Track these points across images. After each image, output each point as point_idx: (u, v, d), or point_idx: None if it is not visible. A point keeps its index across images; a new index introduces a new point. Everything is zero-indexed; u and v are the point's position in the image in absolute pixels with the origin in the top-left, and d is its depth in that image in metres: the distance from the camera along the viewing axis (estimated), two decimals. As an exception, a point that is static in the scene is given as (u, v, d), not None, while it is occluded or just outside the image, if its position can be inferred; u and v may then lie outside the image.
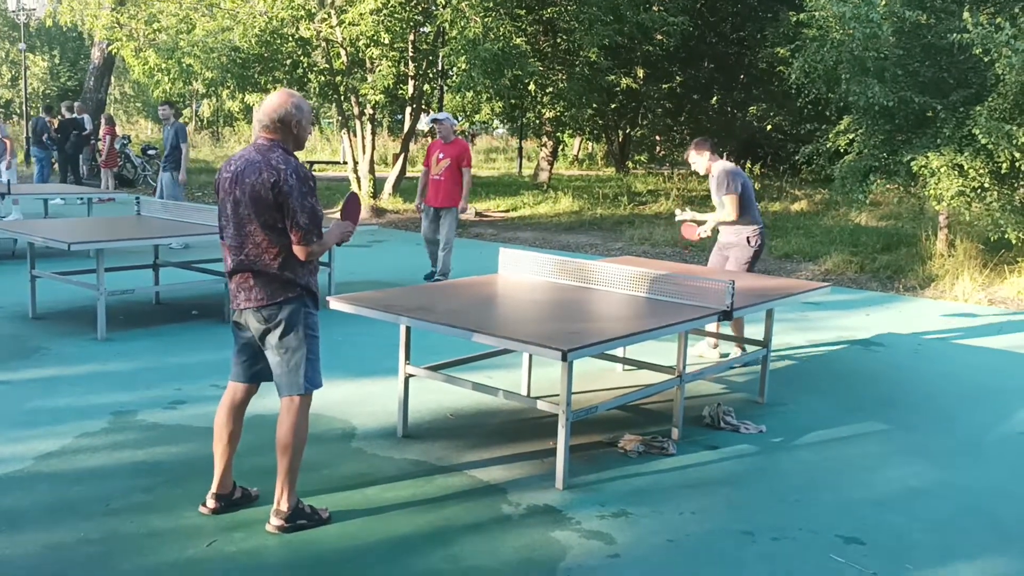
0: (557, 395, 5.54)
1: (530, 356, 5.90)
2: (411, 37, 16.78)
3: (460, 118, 23.73)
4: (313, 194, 3.73)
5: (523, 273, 6.04)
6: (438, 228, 9.94)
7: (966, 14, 9.74)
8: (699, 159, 6.97)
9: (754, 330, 7.42)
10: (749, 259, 6.96)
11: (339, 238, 4.03)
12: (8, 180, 13.05)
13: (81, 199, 14.20)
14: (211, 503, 4.01)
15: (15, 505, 4.06)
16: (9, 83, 41.16)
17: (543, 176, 22.71)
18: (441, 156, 9.74)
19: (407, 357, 5.08)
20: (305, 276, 3.80)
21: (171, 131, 11.96)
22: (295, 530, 3.86)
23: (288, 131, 3.77)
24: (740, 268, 6.95)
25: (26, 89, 29.67)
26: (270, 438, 4.87)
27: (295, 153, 3.82)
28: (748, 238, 6.93)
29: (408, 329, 5.00)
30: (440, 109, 18.69)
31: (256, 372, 3.96)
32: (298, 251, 3.72)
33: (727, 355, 7.11)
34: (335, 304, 4.91)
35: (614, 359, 6.27)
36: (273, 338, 3.78)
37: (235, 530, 3.88)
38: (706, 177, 7.17)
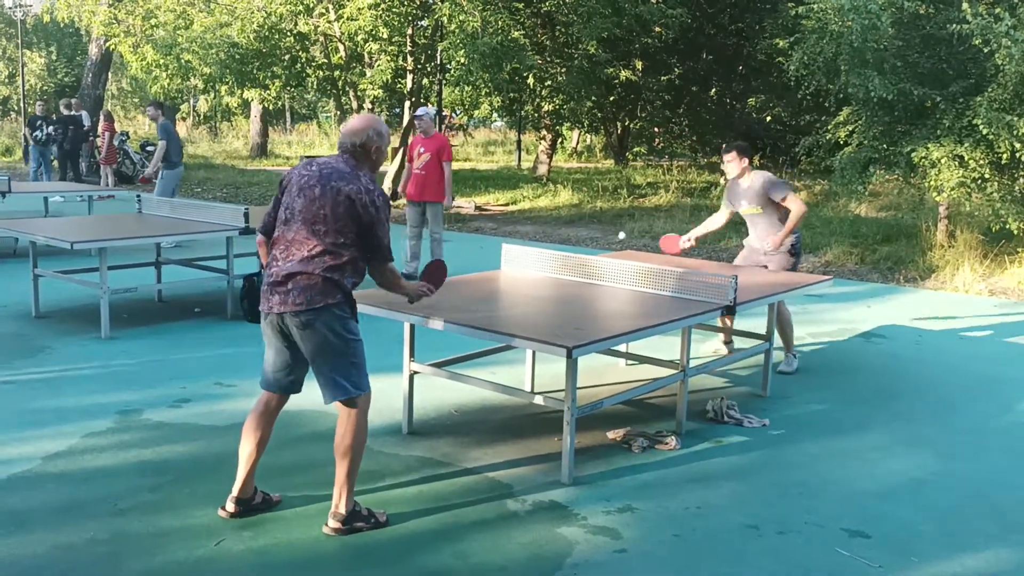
0: (561, 390, 5.57)
1: (534, 352, 5.92)
2: (409, 31, 16.76)
3: (459, 112, 23.73)
4: (390, 220, 3.88)
5: (526, 269, 6.05)
6: (422, 222, 10.02)
7: (965, 4, 9.73)
8: (740, 162, 6.65)
9: (757, 324, 7.44)
10: (790, 266, 6.73)
11: (414, 294, 4.21)
12: (8, 178, 13.02)
13: (81, 197, 14.20)
14: (231, 507, 4.00)
15: (23, 505, 4.07)
16: (7, 80, 41.09)
17: (542, 169, 22.69)
18: (422, 151, 9.82)
19: (411, 354, 5.09)
20: (349, 282, 3.78)
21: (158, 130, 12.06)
22: (352, 532, 3.88)
23: (367, 156, 3.86)
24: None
25: (23, 86, 29.63)
26: (274, 436, 4.89)
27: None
28: (792, 244, 6.70)
29: (412, 327, 5.01)
30: (439, 103, 18.68)
31: (291, 383, 3.94)
32: (380, 267, 3.89)
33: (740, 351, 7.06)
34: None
35: (617, 354, 6.29)
36: (311, 345, 3.75)
37: (243, 529, 3.90)
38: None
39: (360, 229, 3.74)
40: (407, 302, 4.34)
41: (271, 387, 3.96)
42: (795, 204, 6.57)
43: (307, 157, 21.79)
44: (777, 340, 6.43)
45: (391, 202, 3.37)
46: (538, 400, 4.81)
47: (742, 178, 6.72)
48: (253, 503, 4.06)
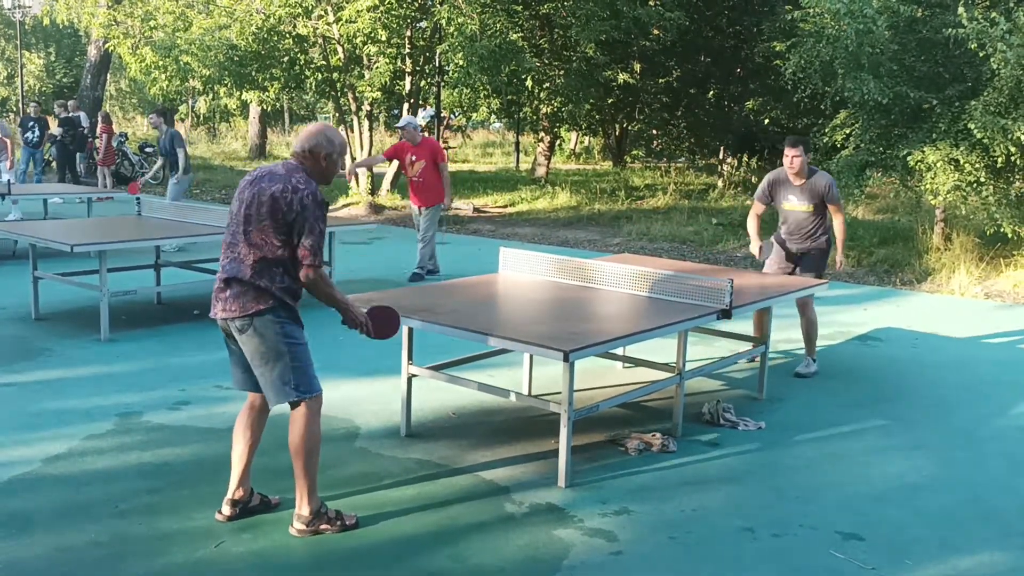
0: (558, 393, 5.60)
1: (531, 355, 5.95)
2: (408, 33, 16.80)
3: (457, 114, 23.75)
4: (324, 221, 3.76)
5: (524, 272, 6.09)
6: None
7: (961, 9, 9.78)
8: (806, 157, 6.58)
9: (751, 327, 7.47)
10: (823, 267, 6.79)
11: (351, 317, 3.97)
12: (8, 180, 13.05)
13: (80, 198, 14.22)
14: (227, 510, 4.04)
15: (24, 507, 4.10)
16: (5, 81, 41.09)
17: (540, 171, 22.71)
18: (414, 159, 9.94)
19: (410, 357, 5.12)
20: (281, 287, 3.77)
21: (165, 140, 11.75)
22: (316, 534, 3.91)
23: (316, 162, 3.82)
24: (815, 275, 6.72)
25: (22, 87, 29.64)
26: (272, 438, 4.93)
27: (320, 187, 3.87)
28: (827, 240, 6.76)
29: (411, 330, 5.04)
30: (437, 105, 18.70)
31: (256, 381, 3.96)
32: (303, 273, 3.74)
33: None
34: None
35: (614, 357, 6.33)
36: (249, 350, 3.81)
37: (243, 531, 3.93)
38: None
39: (286, 227, 3.70)
40: (340, 321, 4.03)
41: (243, 386, 4.01)
42: (841, 215, 6.71)
43: None
44: (773, 344, 6.47)
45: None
46: (535, 403, 4.84)
47: (799, 174, 6.61)
48: (250, 505, 4.09)
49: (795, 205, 6.67)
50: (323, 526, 3.93)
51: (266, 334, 3.76)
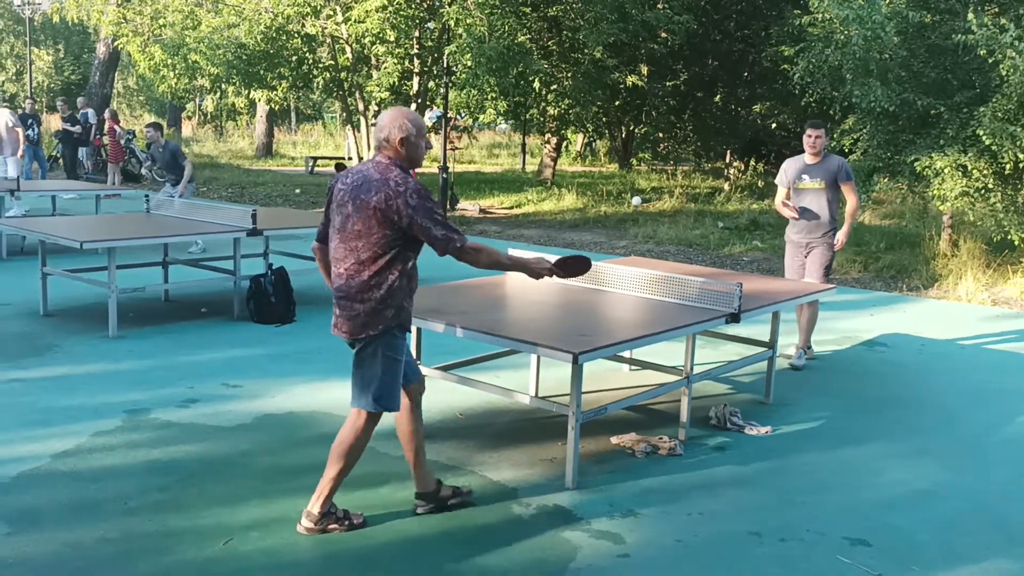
0: (566, 395, 5.60)
1: (538, 357, 5.96)
2: (416, 34, 16.83)
3: (463, 114, 23.77)
4: (438, 207, 3.73)
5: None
6: None
7: (971, 15, 9.77)
8: (826, 139, 6.96)
9: (760, 331, 7.47)
10: (830, 260, 7.01)
11: (530, 268, 4.07)
12: (17, 176, 13.09)
13: (87, 195, 14.27)
14: (418, 505, 4.17)
15: (34, 504, 4.12)
16: (14, 77, 41.21)
17: (547, 172, 22.74)
18: None
19: (418, 357, 5.14)
20: (396, 304, 3.77)
21: (167, 152, 11.37)
22: (324, 532, 3.92)
23: (397, 149, 3.76)
24: (821, 275, 6.96)
25: (31, 83, 29.71)
26: (281, 437, 4.94)
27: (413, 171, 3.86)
28: (833, 235, 7.00)
29: (419, 330, 5.06)
30: (445, 106, 18.72)
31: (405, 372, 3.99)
32: (455, 256, 3.77)
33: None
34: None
35: (621, 360, 6.34)
36: (356, 358, 3.85)
37: (251, 530, 3.94)
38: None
39: (404, 232, 3.68)
40: (533, 277, 4.10)
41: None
42: (854, 196, 6.94)
43: (311, 158, 21.74)
44: (781, 348, 6.47)
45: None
46: (543, 405, 4.85)
47: (817, 153, 6.93)
48: (440, 495, 4.19)
49: (808, 184, 6.99)
50: (331, 525, 3.94)
51: (377, 350, 3.79)
